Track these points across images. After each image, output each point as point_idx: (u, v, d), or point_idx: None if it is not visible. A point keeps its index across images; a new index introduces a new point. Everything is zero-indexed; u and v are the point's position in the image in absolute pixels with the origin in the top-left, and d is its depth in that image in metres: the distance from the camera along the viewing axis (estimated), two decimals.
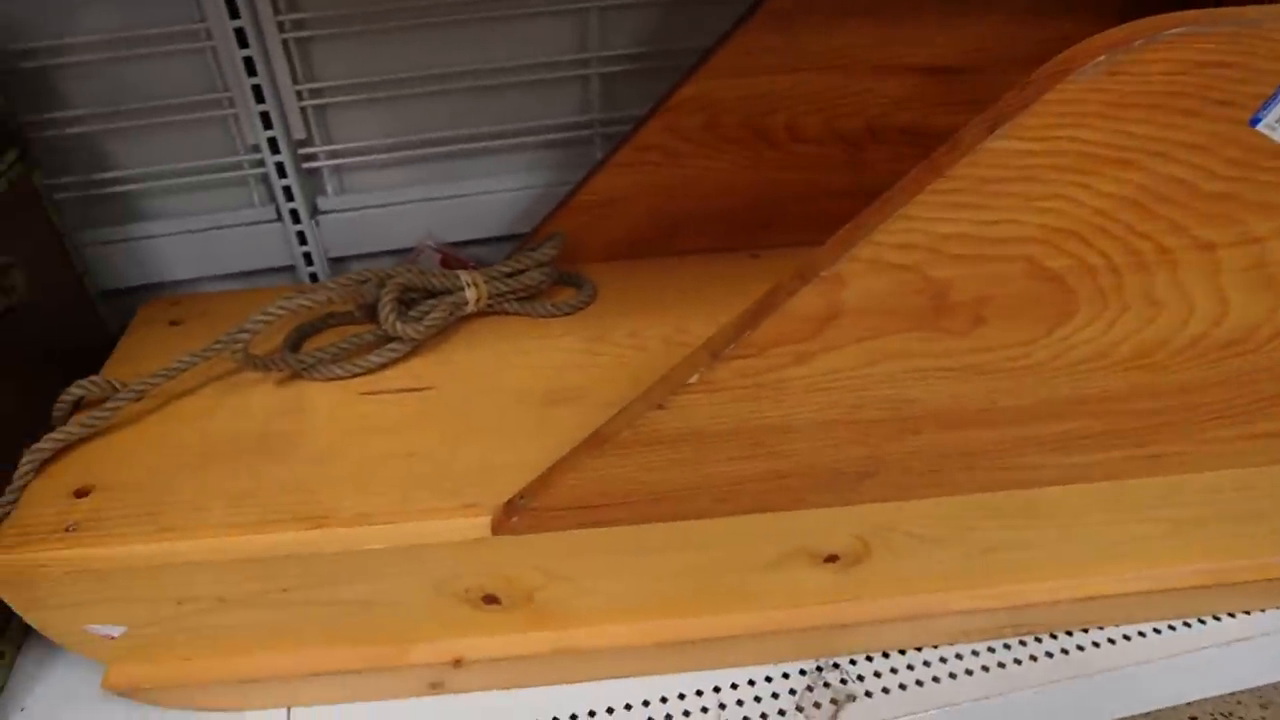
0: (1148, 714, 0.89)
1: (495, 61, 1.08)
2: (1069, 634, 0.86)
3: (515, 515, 0.69)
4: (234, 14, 0.98)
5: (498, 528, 0.70)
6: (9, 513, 0.74)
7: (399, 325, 0.86)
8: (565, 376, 0.86)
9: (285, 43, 1.02)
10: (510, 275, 0.95)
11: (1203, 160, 0.52)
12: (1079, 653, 0.85)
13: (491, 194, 1.19)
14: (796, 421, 0.63)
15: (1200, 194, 0.53)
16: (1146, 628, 0.87)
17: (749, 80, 0.96)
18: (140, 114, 1.05)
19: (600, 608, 0.79)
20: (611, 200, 1.03)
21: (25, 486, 0.76)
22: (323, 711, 0.81)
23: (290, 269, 1.20)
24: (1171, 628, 0.87)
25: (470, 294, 0.91)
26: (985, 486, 0.72)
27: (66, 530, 0.71)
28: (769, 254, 1.07)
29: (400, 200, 1.17)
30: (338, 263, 1.21)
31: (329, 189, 1.17)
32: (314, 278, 1.20)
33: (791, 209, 1.06)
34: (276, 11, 1.00)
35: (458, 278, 0.91)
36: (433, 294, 0.91)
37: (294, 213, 1.14)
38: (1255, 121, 0.50)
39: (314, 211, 1.16)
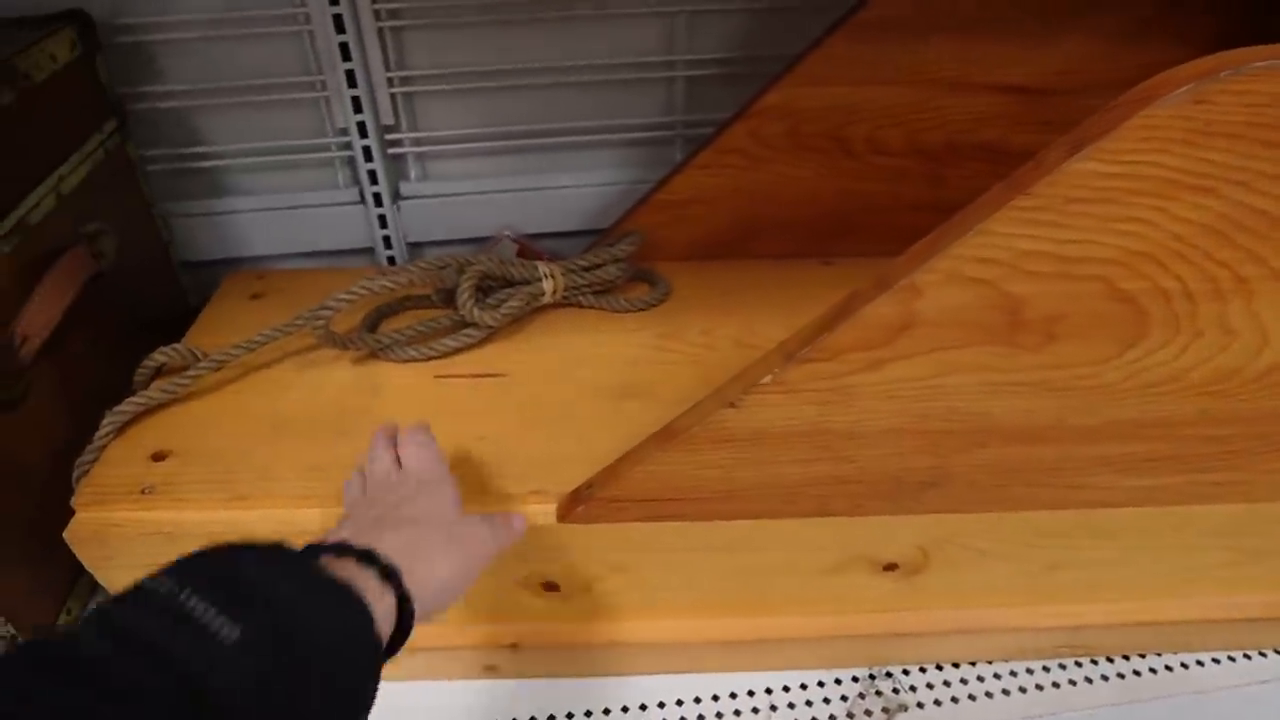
0: None
1: (582, 59, 1.09)
2: (1126, 658, 0.86)
3: (581, 504, 0.70)
4: (333, 0, 0.99)
5: (563, 516, 0.71)
6: (88, 471, 0.76)
7: (476, 312, 0.87)
8: (636, 371, 0.87)
9: (380, 30, 1.04)
10: (587, 269, 0.96)
11: None
12: (1135, 677, 0.84)
13: (571, 188, 1.20)
14: (864, 428, 0.63)
15: None
16: (1205, 656, 0.86)
17: (832, 90, 0.96)
18: (234, 92, 1.07)
19: (658, 602, 0.79)
20: (690, 201, 1.04)
21: (105, 447, 0.78)
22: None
23: (369, 251, 1.21)
24: (1231, 658, 0.86)
25: (547, 285, 0.92)
26: (1048, 504, 0.72)
27: (142, 492, 0.73)
28: (842, 262, 1.08)
29: (481, 190, 1.19)
30: (416, 247, 1.23)
31: (412, 175, 1.19)
32: (392, 261, 1.22)
33: (868, 219, 1.06)
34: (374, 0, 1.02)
35: (536, 269, 0.92)
36: (511, 283, 0.92)
37: (377, 196, 1.16)
38: None
39: (396, 196, 1.18)
